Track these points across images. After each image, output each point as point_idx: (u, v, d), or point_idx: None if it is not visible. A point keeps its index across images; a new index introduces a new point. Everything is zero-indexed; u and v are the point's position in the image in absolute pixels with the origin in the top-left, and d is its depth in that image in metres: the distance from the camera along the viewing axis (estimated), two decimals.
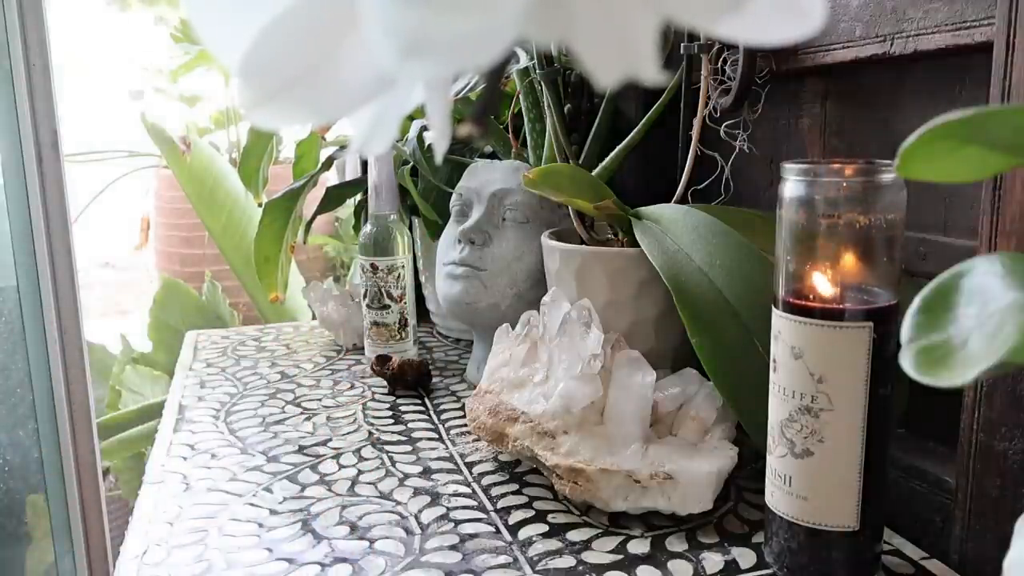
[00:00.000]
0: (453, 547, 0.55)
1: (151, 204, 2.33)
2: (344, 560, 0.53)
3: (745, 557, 0.53)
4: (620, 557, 0.53)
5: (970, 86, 0.55)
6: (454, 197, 0.85)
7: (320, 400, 0.84)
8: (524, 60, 0.81)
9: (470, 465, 0.68)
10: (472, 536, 0.56)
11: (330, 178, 1.50)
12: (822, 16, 0.19)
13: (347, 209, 1.95)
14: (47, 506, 1.28)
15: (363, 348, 0.97)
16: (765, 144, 0.75)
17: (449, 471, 0.66)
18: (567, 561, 0.53)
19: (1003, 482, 0.47)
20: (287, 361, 0.98)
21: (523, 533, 0.56)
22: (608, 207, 0.68)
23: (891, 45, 0.57)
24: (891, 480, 0.58)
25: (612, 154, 0.78)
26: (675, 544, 0.54)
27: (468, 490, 0.63)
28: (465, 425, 0.74)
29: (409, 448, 0.71)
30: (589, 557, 0.53)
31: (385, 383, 0.87)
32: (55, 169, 1.24)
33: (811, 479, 0.47)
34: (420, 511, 0.60)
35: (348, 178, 1.34)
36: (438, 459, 0.69)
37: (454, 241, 0.82)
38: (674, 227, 0.65)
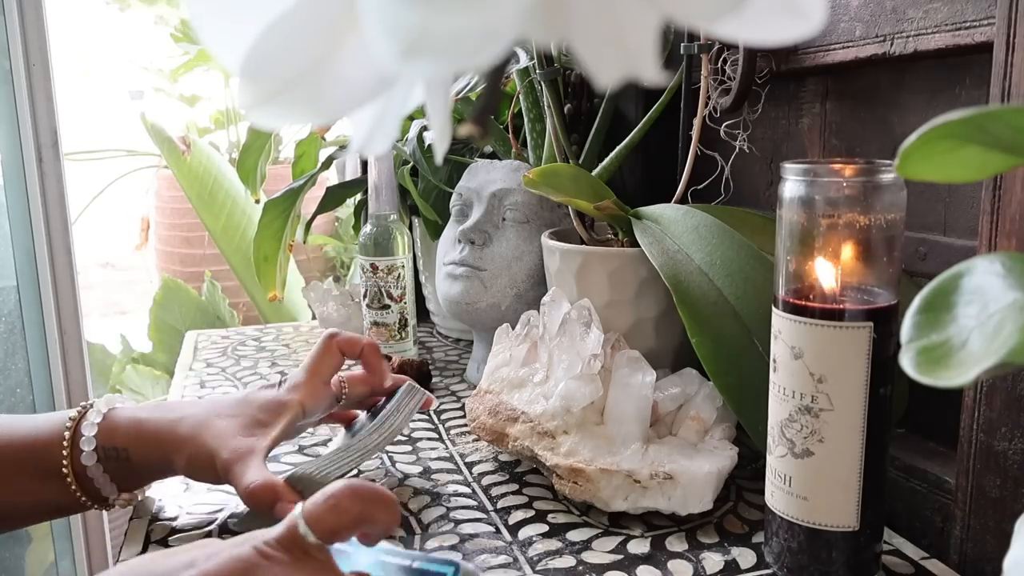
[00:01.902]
0: (453, 547, 0.55)
1: (151, 204, 2.33)
2: None
3: (745, 557, 0.53)
4: (620, 557, 0.53)
5: (970, 86, 0.55)
6: (454, 197, 0.85)
7: None
8: (524, 60, 0.81)
9: (470, 465, 0.68)
10: (472, 536, 0.56)
11: (330, 178, 1.50)
12: (822, 17, 0.19)
13: (347, 209, 1.95)
14: None
15: None
16: (765, 144, 0.75)
17: (449, 471, 0.66)
18: (567, 561, 0.53)
19: (1003, 482, 0.47)
20: (287, 361, 0.98)
21: (523, 533, 0.56)
22: (608, 207, 0.68)
23: (891, 45, 0.57)
24: (891, 480, 0.58)
25: (612, 154, 0.78)
26: (675, 544, 0.54)
27: (468, 490, 0.63)
28: (465, 425, 0.74)
29: (409, 448, 0.71)
30: (589, 557, 0.53)
31: None
32: (55, 169, 1.24)
33: (811, 479, 0.47)
34: (420, 511, 0.60)
35: (348, 178, 1.34)
36: (438, 459, 0.69)
37: (454, 241, 0.82)
38: (674, 227, 0.65)
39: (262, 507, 0.50)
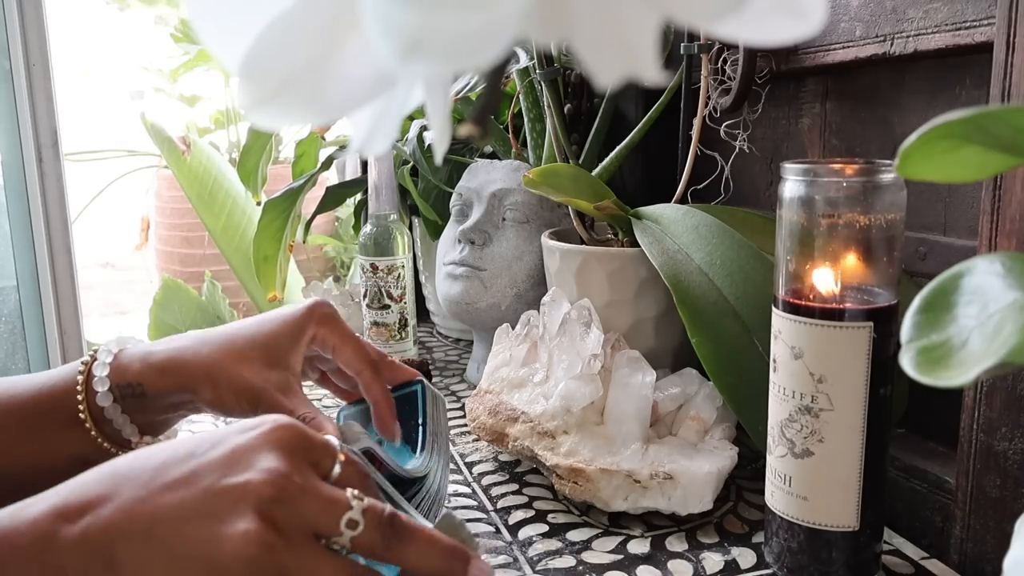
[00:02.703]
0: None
1: (151, 204, 2.33)
2: None
3: (745, 557, 0.53)
4: (620, 557, 0.53)
5: (970, 86, 0.55)
6: (454, 197, 0.85)
7: (320, 400, 0.83)
8: (524, 60, 0.81)
9: (470, 465, 0.68)
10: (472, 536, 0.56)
11: (330, 178, 1.50)
12: (822, 17, 0.19)
13: (347, 209, 1.95)
14: None
15: None
16: (765, 144, 0.75)
17: (449, 471, 0.66)
18: (567, 561, 0.53)
19: (1003, 482, 0.47)
20: None
21: (523, 533, 0.56)
22: (608, 207, 0.68)
23: (891, 45, 0.57)
24: (891, 480, 0.58)
25: (612, 154, 0.78)
26: (675, 544, 0.54)
27: (468, 490, 0.63)
28: (465, 425, 0.74)
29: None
30: (589, 557, 0.53)
31: None
32: (55, 169, 1.24)
33: (811, 479, 0.47)
34: None
35: (348, 178, 1.34)
36: None
37: (454, 241, 0.82)
38: (674, 227, 0.65)
39: None
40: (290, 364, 0.52)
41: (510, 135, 0.90)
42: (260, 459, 0.34)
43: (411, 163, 0.99)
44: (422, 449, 0.54)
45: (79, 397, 0.50)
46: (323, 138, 1.15)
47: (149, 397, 0.51)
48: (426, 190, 0.99)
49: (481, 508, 0.60)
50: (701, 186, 0.77)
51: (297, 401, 0.50)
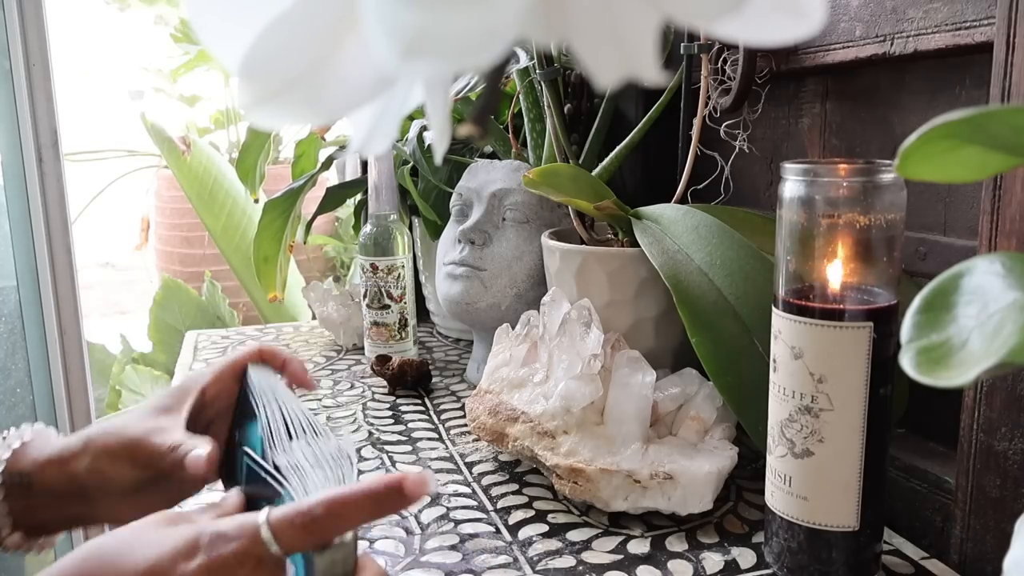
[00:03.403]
0: (453, 547, 0.55)
1: (151, 204, 2.33)
2: None
3: (745, 557, 0.53)
4: (620, 557, 0.53)
5: (970, 86, 0.55)
6: (454, 197, 0.85)
7: (320, 400, 0.84)
8: (524, 60, 0.81)
9: (470, 465, 0.68)
10: (472, 536, 0.56)
11: (330, 178, 1.50)
12: (821, 17, 0.19)
13: (347, 209, 1.95)
14: None
15: (363, 348, 0.97)
16: (765, 144, 0.75)
17: (449, 471, 0.66)
18: (567, 561, 0.53)
19: (1003, 482, 0.47)
20: None
21: (523, 533, 0.56)
22: (608, 207, 0.68)
23: (891, 45, 0.57)
24: (891, 480, 0.58)
25: (612, 154, 0.78)
26: (675, 544, 0.54)
27: (468, 490, 0.63)
28: (465, 425, 0.74)
29: (409, 448, 0.71)
30: (589, 557, 0.53)
31: (385, 383, 0.87)
32: (55, 169, 1.24)
33: (811, 479, 0.47)
34: (420, 511, 0.60)
35: (348, 178, 1.34)
36: (438, 459, 0.69)
37: (454, 241, 0.82)
38: (674, 227, 0.65)
39: (174, 470, 0.46)
40: (176, 414, 0.49)
41: (510, 135, 0.90)
42: None
43: (411, 163, 0.99)
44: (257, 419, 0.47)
45: None
46: (323, 138, 1.15)
47: (34, 489, 0.48)
48: (426, 190, 0.99)
49: (481, 508, 0.60)
50: (701, 186, 0.77)
51: (169, 437, 0.47)
